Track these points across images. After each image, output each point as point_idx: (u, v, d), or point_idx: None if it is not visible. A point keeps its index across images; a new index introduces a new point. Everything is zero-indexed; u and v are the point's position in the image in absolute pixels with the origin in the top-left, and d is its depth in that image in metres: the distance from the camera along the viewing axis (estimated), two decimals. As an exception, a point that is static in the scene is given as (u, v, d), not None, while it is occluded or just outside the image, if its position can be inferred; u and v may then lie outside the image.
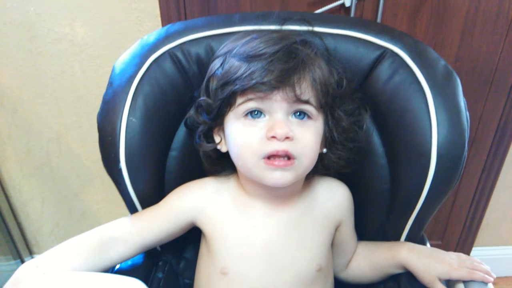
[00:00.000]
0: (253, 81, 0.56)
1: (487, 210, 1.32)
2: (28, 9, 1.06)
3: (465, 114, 0.64)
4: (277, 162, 0.57)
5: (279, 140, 0.56)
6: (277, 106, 0.58)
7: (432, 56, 0.67)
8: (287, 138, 0.56)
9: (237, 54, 0.60)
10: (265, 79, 0.56)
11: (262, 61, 0.56)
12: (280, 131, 0.56)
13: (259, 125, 0.58)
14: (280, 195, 0.66)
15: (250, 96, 0.58)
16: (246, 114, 0.59)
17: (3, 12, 1.06)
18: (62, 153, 1.28)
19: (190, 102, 0.69)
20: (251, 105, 0.58)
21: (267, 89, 0.56)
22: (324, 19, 0.71)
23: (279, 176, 0.58)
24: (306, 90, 0.58)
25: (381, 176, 0.71)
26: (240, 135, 0.60)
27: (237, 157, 0.61)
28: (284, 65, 0.56)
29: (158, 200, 0.69)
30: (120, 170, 0.65)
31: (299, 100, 0.58)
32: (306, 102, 0.59)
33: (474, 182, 1.25)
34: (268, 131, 0.57)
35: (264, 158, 0.58)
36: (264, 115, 0.59)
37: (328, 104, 0.62)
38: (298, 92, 0.57)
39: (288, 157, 0.58)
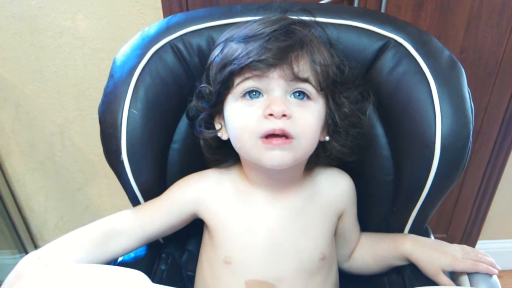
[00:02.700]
0: (250, 59, 0.56)
1: (492, 203, 1.31)
2: (30, 3, 1.06)
3: (469, 104, 0.63)
4: (275, 140, 0.56)
5: (276, 117, 0.55)
6: (275, 84, 0.57)
7: (436, 46, 0.66)
8: (284, 116, 0.56)
9: (236, 38, 0.60)
10: (262, 57, 0.56)
11: (260, 40, 0.57)
12: (276, 108, 0.55)
13: (257, 105, 0.58)
14: (282, 181, 0.66)
15: (247, 75, 0.57)
16: (244, 95, 0.59)
17: (5, 5, 1.06)
18: (65, 147, 1.28)
19: (192, 93, 0.69)
20: (249, 84, 0.58)
21: (264, 67, 0.56)
22: (327, 9, 0.71)
23: (278, 155, 0.57)
24: (304, 68, 0.58)
25: (384, 167, 0.70)
26: (238, 115, 0.59)
27: (236, 139, 0.61)
28: (281, 43, 0.56)
29: (160, 192, 0.69)
30: (122, 162, 0.65)
31: (297, 77, 0.57)
32: (305, 80, 0.58)
33: (479, 175, 1.24)
34: (265, 109, 0.56)
35: (262, 137, 0.57)
36: (262, 95, 0.59)
37: (329, 88, 0.62)
38: (296, 70, 0.57)
39: (286, 136, 0.57)
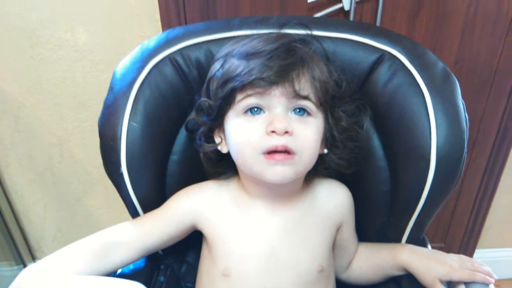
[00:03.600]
0: (252, 77, 0.57)
1: (489, 212, 1.32)
2: (30, 16, 1.07)
3: (464, 115, 0.64)
4: (277, 156, 0.57)
5: (278, 134, 0.56)
6: (276, 101, 0.58)
7: (431, 58, 0.67)
8: (286, 132, 0.57)
9: (237, 54, 0.61)
10: (264, 75, 0.56)
11: (261, 57, 0.58)
12: (279, 126, 0.56)
13: (259, 121, 0.59)
14: (281, 194, 0.67)
15: (249, 92, 0.58)
16: (246, 111, 0.60)
17: (5, 18, 1.07)
18: (64, 158, 1.29)
19: (191, 106, 0.69)
20: (251, 101, 0.59)
21: (266, 85, 0.57)
22: (323, 23, 0.72)
23: (280, 171, 0.58)
24: (305, 86, 0.59)
25: (381, 178, 0.71)
26: (240, 131, 0.60)
27: (237, 154, 0.62)
28: (283, 61, 0.57)
29: (160, 204, 0.69)
30: (121, 175, 0.65)
31: (298, 95, 0.58)
32: (306, 97, 0.59)
33: (476, 185, 1.25)
34: (268, 126, 0.57)
35: (264, 153, 0.58)
36: (264, 111, 0.59)
37: (328, 103, 0.63)
38: (297, 87, 0.58)
39: (288, 152, 0.58)
